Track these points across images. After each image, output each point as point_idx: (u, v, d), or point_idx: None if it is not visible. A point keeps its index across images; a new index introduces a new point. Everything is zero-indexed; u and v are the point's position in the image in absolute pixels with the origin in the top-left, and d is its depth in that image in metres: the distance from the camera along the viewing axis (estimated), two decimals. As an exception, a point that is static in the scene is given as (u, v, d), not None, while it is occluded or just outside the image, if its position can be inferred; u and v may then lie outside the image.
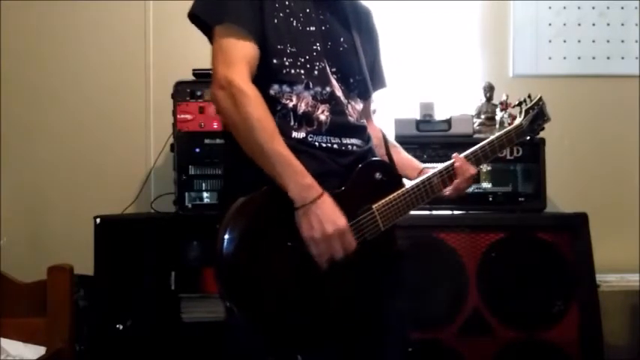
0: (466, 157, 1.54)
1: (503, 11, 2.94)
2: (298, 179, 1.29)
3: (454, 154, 1.54)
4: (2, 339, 1.75)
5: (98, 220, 2.23)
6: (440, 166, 1.53)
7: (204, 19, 1.38)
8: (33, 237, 2.84)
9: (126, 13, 2.86)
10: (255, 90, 1.32)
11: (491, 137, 1.59)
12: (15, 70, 2.85)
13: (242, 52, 1.35)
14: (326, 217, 1.29)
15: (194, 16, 1.40)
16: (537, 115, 1.66)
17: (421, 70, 2.89)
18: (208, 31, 1.39)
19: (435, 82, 2.88)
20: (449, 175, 1.51)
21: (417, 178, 1.51)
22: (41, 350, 1.74)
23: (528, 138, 1.67)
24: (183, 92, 2.34)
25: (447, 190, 1.53)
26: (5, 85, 2.84)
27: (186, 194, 2.35)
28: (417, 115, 2.51)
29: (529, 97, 1.67)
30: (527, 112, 1.65)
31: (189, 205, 2.35)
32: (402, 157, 1.64)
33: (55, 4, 2.85)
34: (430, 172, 1.51)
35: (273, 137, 1.30)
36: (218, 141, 2.31)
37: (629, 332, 2.44)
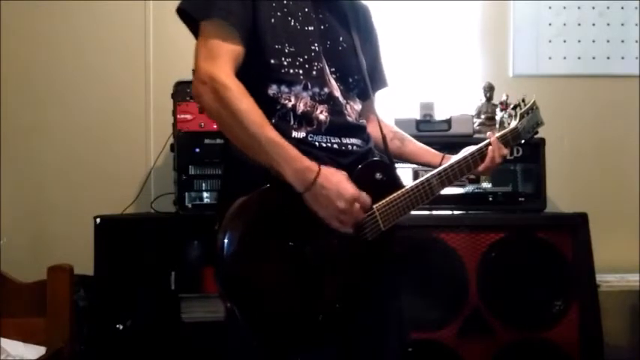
0: (464, 159, 1.55)
1: (503, 11, 2.94)
2: (293, 164, 1.28)
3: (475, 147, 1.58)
4: (2, 339, 1.74)
5: (98, 220, 2.23)
6: (454, 158, 1.57)
7: (191, 13, 1.36)
8: (33, 237, 2.84)
9: (126, 13, 2.86)
10: (238, 83, 1.30)
11: (487, 141, 1.59)
12: (15, 70, 2.85)
13: (226, 47, 1.33)
14: (332, 193, 1.29)
15: (182, 12, 1.38)
16: (532, 119, 1.67)
17: (421, 70, 2.89)
18: (196, 27, 1.37)
19: (435, 82, 2.88)
20: (466, 165, 1.55)
21: (442, 162, 1.56)
22: (41, 350, 1.74)
23: (523, 142, 1.68)
24: (183, 92, 2.34)
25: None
26: (5, 85, 2.84)
27: (186, 194, 2.35)
28: (417, 115, 2.51)
29: (523, 101, 1.68)
30: (522, 115, 1.66)
31: (189, 205, 2.35)
32: (420, 147, 1.69)
33: (55, 4, 2.85)
34: (435, 170, 1.52)
35: (263, 125, 1.29)
36: (218, 141, 2.30)
37: (629, 332, 2.44)
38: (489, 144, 1.57)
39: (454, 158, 1.56)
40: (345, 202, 1.30)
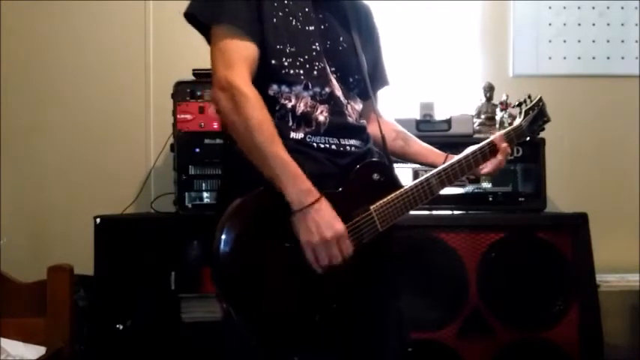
0: (464, 158, 1.55)
1: (504, 11, 2.94)
2: (296, 183, 1.28)
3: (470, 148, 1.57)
4: (2, 339, 1.74)
5: (98, 220, 2.23)
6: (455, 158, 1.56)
7: (200, 19, 1.37)
8: (33, 237, 2.84)
9: (126, 13, 2.86)
10: (255, 92, 1.32)
11: (490, 138, 1.59)
12: (15, 70, 2.85)
13: (242, 53, 1.34)
14: (324, 221, 1.28)
15: (190, 16, 1.39)
16: (537, 116, 1.66)
17: (421, 70, 2.89)
18: (206, 30, 1.39)
19: (435, 82, 2.88)
20: (466, 165, 1.54)
21: (445, 162, 1.54)
22: (41, 350, 1.74)
23: (528, 139, 1.67)
24: (183, 92, 2.34)
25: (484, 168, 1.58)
26: (5, 85, 2.84)
27: (186, 194, 2.35)
28: (417, 115, 2.51)
29: (529, 97, 1.67)
30: (526, 112, 1.65)
31: (190, 205, 2.35)
32: (424, 147, 1.67)
33: (55, 4, 2.85)
34: (435, 170, 1.52)
35: (273, 140, 1.29)
36: (218, 141, 2.30)
37: (629, 332, 2.44)
38: (491, 143, 1.57)
39: (456, 158, 1.56)
40: (332, 233, 1.28)
